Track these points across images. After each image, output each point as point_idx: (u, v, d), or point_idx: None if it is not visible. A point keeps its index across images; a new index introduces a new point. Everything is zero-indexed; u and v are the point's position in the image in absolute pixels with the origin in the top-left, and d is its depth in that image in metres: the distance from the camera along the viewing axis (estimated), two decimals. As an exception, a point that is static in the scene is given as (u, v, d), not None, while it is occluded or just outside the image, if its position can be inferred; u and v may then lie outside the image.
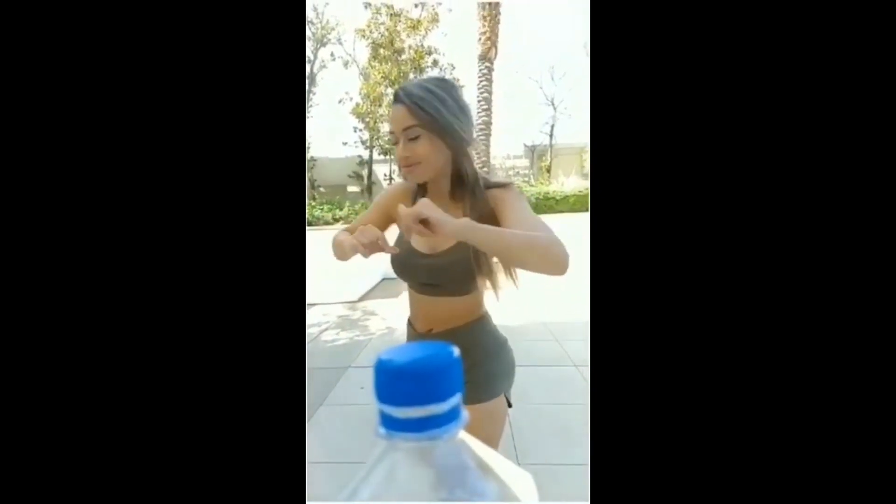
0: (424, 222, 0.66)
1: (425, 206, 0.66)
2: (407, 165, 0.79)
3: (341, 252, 0.80)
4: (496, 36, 8.27)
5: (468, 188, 0.83)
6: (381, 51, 9.02)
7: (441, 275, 0.85)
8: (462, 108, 0.82)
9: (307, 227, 5.10)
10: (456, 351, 0.18)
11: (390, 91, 9.01)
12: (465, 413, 0.18)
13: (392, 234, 0.86)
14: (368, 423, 2.22)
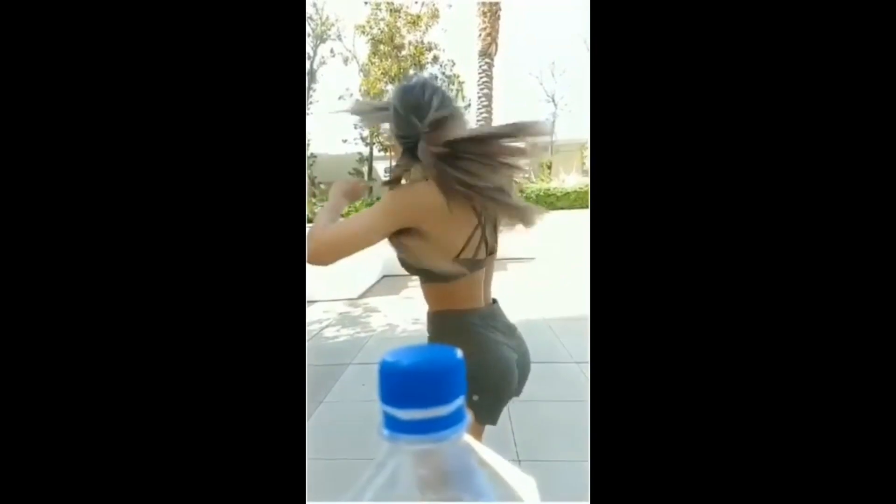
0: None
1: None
2: None
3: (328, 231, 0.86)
4: (496, 32, 8.24)
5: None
6: (381, 47, 8.99)
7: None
8: (409, 109, 0.85)
9: (308, 224, 5.07)
10: (459, 353, 0.18)
11: (390, 87, 8.99)
12: (469, 415, 0.18)
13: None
14: (369, 420, 2.22)
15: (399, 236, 0.84)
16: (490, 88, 8.61)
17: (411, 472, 0.17)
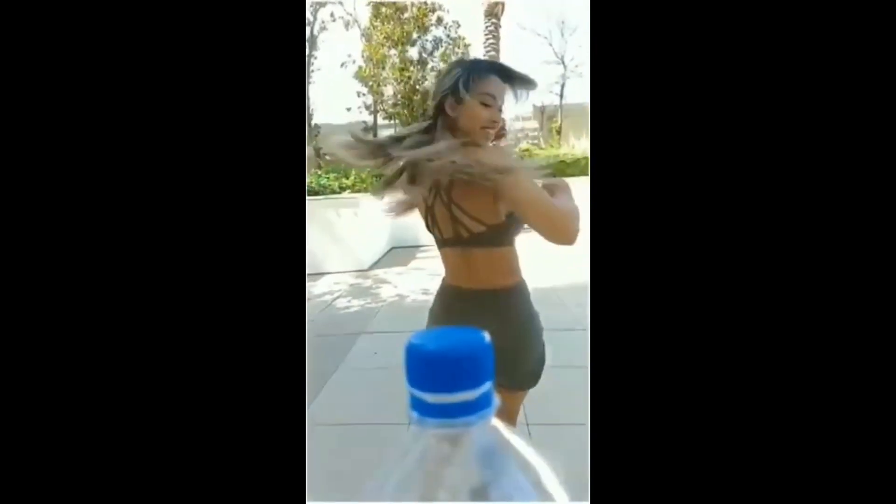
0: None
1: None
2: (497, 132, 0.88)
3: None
4: (503, -10, 7.86)
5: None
6: (383, 9, 8.64)
7: None
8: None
9: (314, 197, 5.05)
10: (487, 336, 0.18)
11: (394, 52, 8.70)
12: (498, 399, 0.18)
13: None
14: (380, 387, 2.28)
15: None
16: (497, 50, 8.30)
17: (439, 456, 0.17)
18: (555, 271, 3.60)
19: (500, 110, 0.88)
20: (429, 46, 9.07)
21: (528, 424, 1.73)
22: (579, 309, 3.00)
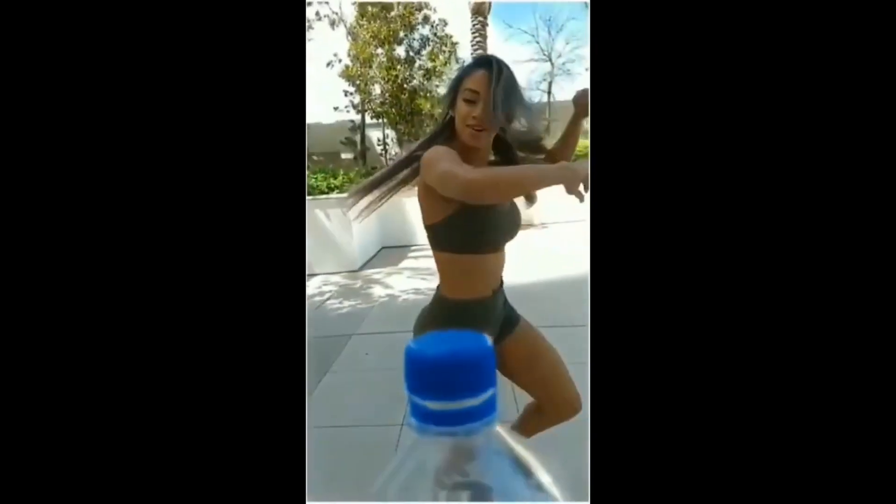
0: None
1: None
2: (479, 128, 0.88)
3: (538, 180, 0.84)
4: (489, -12, 7.86)
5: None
6: (370, 8, 8.59)
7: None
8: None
9: (308, 197, 5.01)
10: (490, 341, 0.17)
11: (381, 51, 8.64)
12: (498, 407, 0.18)
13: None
14: (373, 388, 2.27)
15: None
16: (484, 48, 8.29)
17: (439, 463, 0.17)
18: (555, 270, 3.62)
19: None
20: (416, 45, 9.03)
21: (518, 412, 1.74)
22: (577, 306, 3.02)
